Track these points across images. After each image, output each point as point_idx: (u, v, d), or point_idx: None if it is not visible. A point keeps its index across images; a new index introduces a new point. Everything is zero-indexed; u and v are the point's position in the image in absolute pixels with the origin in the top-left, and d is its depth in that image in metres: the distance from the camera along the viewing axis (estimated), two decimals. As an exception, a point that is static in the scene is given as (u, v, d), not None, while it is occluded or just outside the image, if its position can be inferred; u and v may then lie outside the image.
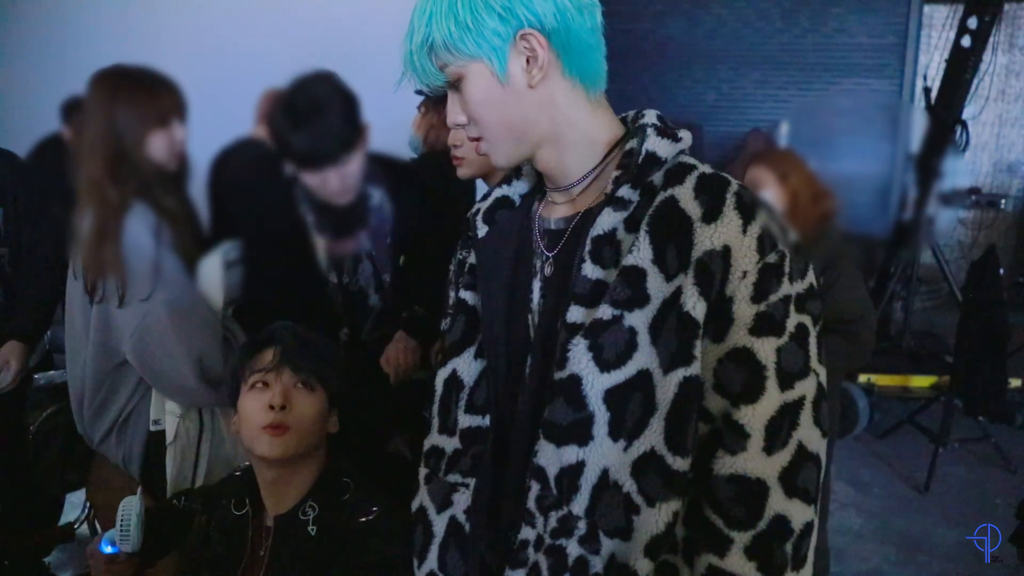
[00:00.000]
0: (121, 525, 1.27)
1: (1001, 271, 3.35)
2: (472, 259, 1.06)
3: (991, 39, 3.69)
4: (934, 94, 3.87)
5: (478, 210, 1.04)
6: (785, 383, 0.84)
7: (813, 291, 0.88)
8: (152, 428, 1.67)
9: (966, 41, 3.60)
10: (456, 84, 0.89)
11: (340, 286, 1.75)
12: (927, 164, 3.64)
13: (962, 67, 3.64)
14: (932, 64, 4.45)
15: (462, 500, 1.04)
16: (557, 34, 0.86)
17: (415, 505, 1.09)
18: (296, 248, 1.70)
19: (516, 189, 1.04)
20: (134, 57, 1.68)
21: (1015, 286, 4.80)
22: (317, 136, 1.54)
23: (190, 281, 1.63)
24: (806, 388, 0.85)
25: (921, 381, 3.98)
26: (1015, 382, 3.70)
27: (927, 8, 5.41)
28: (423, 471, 1.09)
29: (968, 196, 5.04)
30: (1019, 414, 3.58)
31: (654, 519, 0.86)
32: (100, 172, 1.56)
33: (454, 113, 0.92)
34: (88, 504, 2.07)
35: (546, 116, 0.89)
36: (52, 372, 2.07)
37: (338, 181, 1.60)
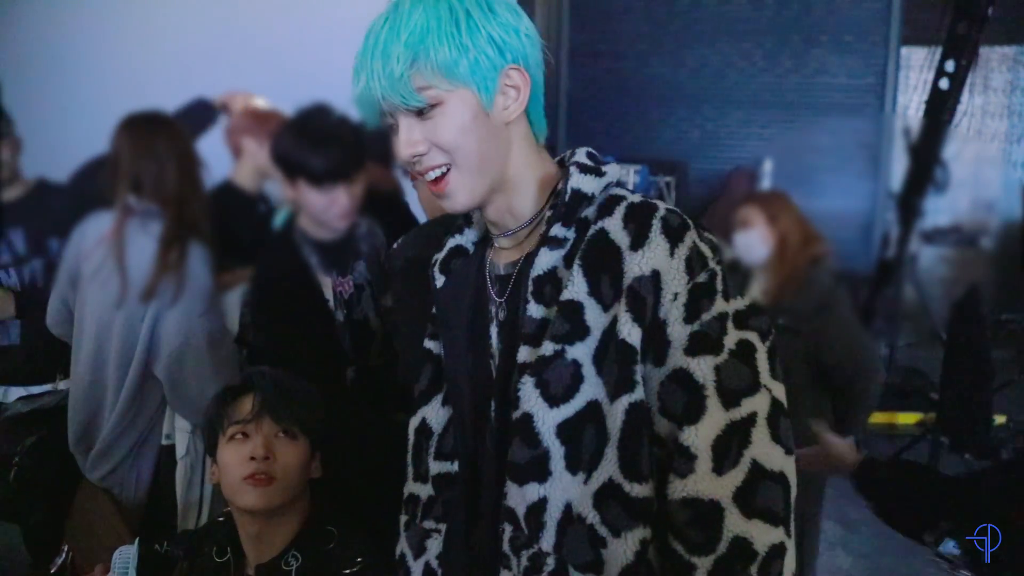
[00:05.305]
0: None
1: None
2: (435, 309, 1.07)
3: (967, 81, 3.77)
4: (914, 134, 3.93)
5: (436, 261, 1.05)
6: (729, 401, 0.83)
7: (756, 308, 0.87)
8: (163, 442, 1.77)
9: (944, 84, 3.67)
10: (426, 110, 0.85)
11: (348, 322, 1.75)
12: (909, 203, 3.69)
13: (940, 109, 3.71)
14: (911, 104, 4.53)
15: (435, 546, 1.04)
16: (532, 77, 0.89)
17: (397, 552, 1.09)
18: (305, 292, 1.71)
19: (468, 237, 1.04)
20: (133, 58, 1.81)
21: (997, 323, 4.84)
22: (332, 154, 1.61)
23: (225, 314, 1.76)
24: (756, 405, 0.84)
25: (907, 418, 3.99)
26: (1000, 419, 3.71)
27: (905, 50, 5.53)
28: (403, 518, 1.09)
29: (949, 234, 5.10)
30: (1004, 451, 3.58)
31: (622, 550, 0.86)
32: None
33: (412, 143, 0.86)
34: (67, 549, 2.02)
35: (510, 155, 0.90)
36: (14, 402, 2.04)
37: (347, 200, 1.65)
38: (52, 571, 2.22)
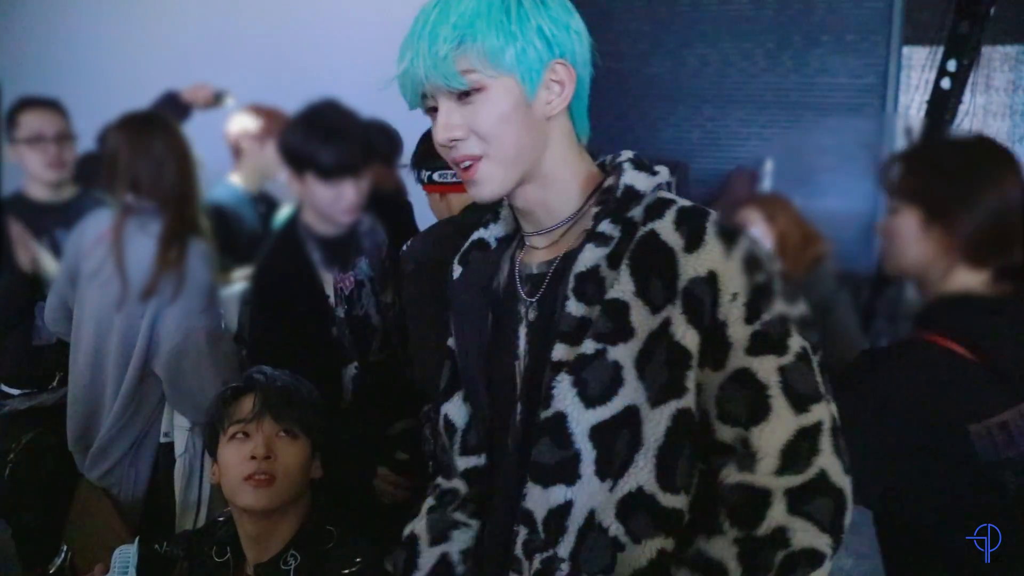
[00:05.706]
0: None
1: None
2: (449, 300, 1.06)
3: (969, 80, 3.77)
4: (915, 134, 3.94)
5: (460, 253, 1.04)
6: (798, 405, 0.80)
7: (808, 320, 0.85)
8: (162, 440, 1.78)
9: (946, 83, 3.68)
10: (468, 95, 0.84)
11: (348, 318, 1.76)
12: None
13: (942, 108, 3.71)
14: (913, 104, 4.53)
15: (461, 539, 1.03)
16: (578, 75, 0.89)
17: (407, 531, 1.06)
18: (307, 288, 1.72)
19: (492, 232, 1.03)
20: (132, 57, 1.85)
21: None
22: (341, 148, 1.62)
23: (224, 312, 1.77)
24: (822, 413, 0.81)
25: (908, 418, 3.98)
26: (1001, 419, 3.70)
27: (906, 49, 5.52)
28: (428, 501, 1.07)
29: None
30: (1006, 451, 3.57)
31: (637, 554, 0.84)
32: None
33: (450, 126, 0.85)
34: (66, 548, 2.02)
35: (547, 150, 0.89)
36: (14, 398, 2.04)
37: (354, 194, 1.65)
38: (51, 571, 2.22)
